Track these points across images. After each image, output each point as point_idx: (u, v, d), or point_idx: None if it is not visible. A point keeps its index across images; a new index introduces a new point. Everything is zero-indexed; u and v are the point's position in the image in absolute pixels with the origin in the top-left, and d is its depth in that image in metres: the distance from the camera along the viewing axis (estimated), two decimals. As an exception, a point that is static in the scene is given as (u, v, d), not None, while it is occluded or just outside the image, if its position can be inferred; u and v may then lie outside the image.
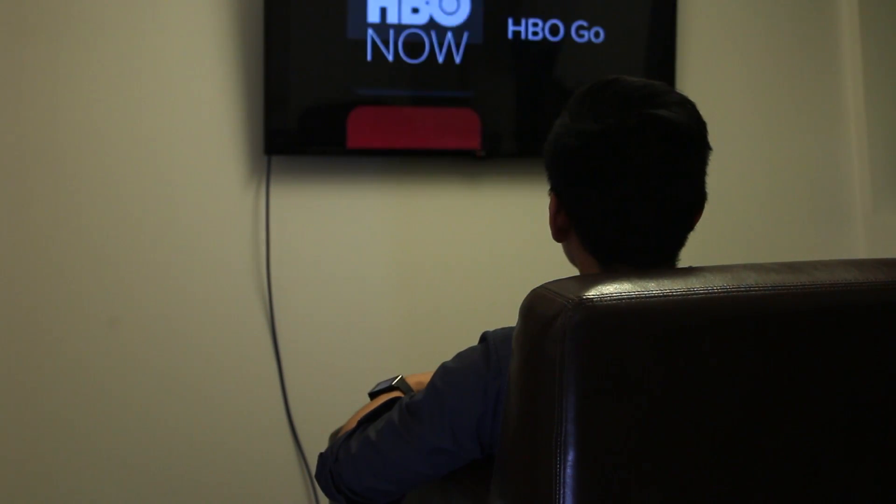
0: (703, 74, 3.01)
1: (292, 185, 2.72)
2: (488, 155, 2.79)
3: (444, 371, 1.45)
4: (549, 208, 1.45)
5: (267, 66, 2.60)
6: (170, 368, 2.65)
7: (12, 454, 2.57)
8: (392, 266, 2.83)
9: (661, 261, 1.41)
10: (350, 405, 1.64)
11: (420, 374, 1.74)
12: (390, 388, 1.70)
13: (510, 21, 2.78)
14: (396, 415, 1.47)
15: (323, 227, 2.76)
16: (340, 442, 1.56)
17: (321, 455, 1.60)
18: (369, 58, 2.67)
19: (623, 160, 1.35)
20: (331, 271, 2.77)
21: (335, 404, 1.70)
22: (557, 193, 1.43)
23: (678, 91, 1.41)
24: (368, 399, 1.72)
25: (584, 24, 2.82)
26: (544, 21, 2.80)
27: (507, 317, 1.38)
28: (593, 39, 2.83)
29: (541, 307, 1.18)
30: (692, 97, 1.42)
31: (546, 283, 1.22)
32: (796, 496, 1.25)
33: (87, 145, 2.57)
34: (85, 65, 2.56)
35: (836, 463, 1.26)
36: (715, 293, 1.20)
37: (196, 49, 2.63)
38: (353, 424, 1.59)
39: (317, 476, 1.61)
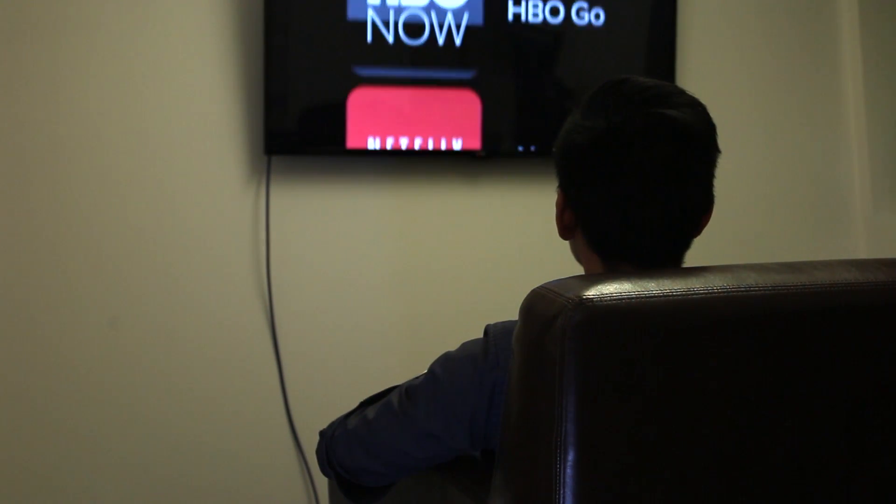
0: (703, 73, 3.00)
1: (292, 185, 2.72)
2: (489, 144, 2.78)
3: (444, 359, 1.47)
4: (556, 205, 1.45)
5: (267, 66, 2.60)
6: (169, 368, 2.65)
7: (12, 454, 2.56)
8: (392, 266, 2.82)
9: (666, 262, 1.41)
10: (350, 405, 1.64)
11: None
12: None
13: (510, 2, 2.78)
14: (395, 397, 1.50)
15: (323, 227, 2.76)
16: (340, 420, 1.60)
17: (321, 432, 1.64)
18: (369, 39, 2.67)
19: (629, 159, 1.34)
20: (331, 271, 2.77)
21: (335, 404, 1.70)
22: (564, 190, 1.43)
23: (689, 93, 1.40)
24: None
25: (584, 5, 2.83)
26: (544, 2, 2.80)
27: (508, 317, 1.38)
28: (593, 21, 2.84)
29: (541, 307, 1.18)
30: (692, 89, 1.42)
31: (546, 283, 1.22)
32: (797, 496, 1.25)
33: (87, 145, 2.57)
34: (85, 65, 2.56)
35: (837, 463, 1.26)
36: (715, 293, 1.20)
37: (196, 49, 2.63)
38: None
39: (316, 451, 1.64)
